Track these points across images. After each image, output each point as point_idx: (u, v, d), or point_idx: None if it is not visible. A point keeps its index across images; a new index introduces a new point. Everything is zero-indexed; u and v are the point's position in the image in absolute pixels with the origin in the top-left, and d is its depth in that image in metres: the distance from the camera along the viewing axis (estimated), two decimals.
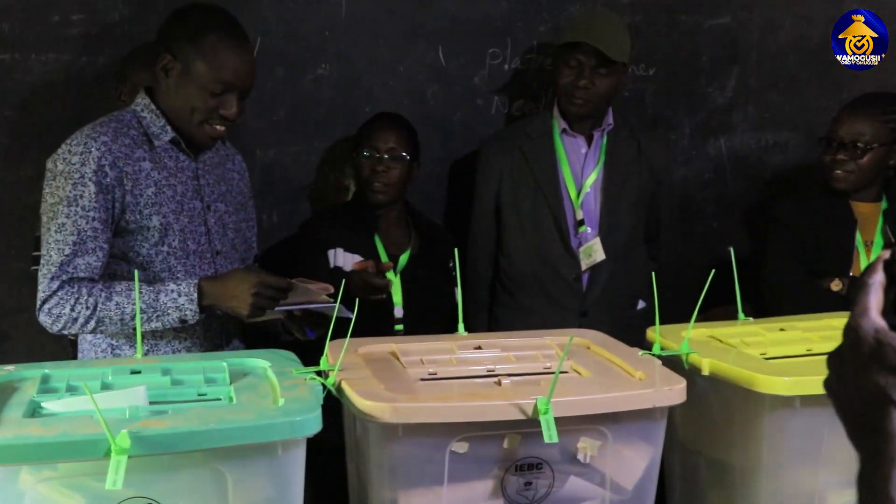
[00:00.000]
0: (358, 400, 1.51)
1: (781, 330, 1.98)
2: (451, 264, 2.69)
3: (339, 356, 1.63)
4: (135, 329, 1.89)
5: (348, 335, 1.68)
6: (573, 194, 2.84)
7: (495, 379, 1.65)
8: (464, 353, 1.81)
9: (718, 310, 2.29)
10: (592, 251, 2.79)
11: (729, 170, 3.43)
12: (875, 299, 0.87)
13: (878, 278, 0.88)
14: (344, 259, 2.71)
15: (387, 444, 1.52)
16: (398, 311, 2.71)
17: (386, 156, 2.74)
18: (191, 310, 2.08)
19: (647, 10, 3.28)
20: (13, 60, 2.79)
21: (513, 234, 2.88)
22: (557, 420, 1.49)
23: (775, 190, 3.43)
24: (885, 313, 0.86)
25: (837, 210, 2.81)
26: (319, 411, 1.45)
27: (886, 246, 0.75)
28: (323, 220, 2.85)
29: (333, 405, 1.63)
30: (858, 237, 2.78)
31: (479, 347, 1.84)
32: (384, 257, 2.73)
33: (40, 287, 2.09)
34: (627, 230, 2.87)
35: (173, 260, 2.19)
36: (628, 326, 2.53)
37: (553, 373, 1.56)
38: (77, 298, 2.06)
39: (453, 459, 1.53)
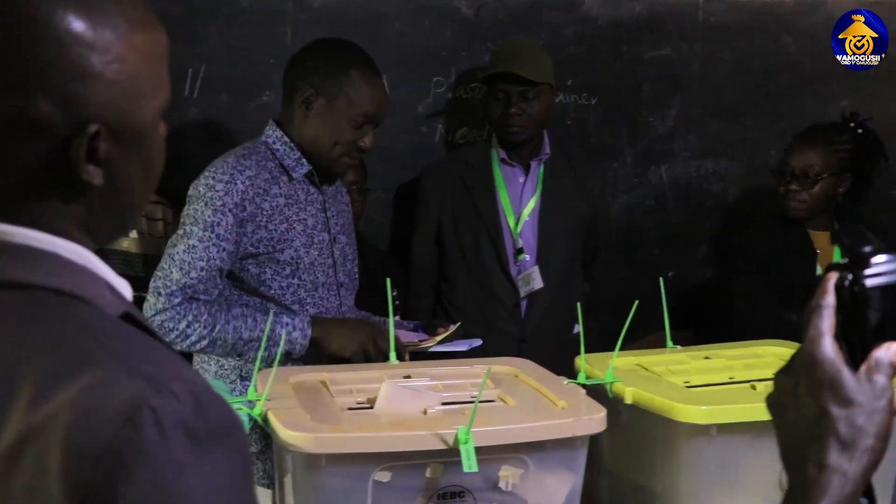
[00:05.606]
0: (282, 430, 1.52)
1: (706, 358, 2.01)
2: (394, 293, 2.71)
3: (267, 385, 1.64)
4: (240, 354, 2.15)
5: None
6: (512, 223, 2.87)
7: (422, 408, 1.67)
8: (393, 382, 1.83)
9: (652, 337, 2.33)
10: (530, 279, 2.83)
11: (670, 197, 3.49)
12: (828, 324, 0.86)
13: (830, 300, 0.87)
14: None
15: (311, 473, 1.54)
16: None
17: (353, 187, 2.75)
18: (301, 343, 2.14)
19: (591, 42, 3.34)
20: None
21: (454, 261, 2.91)
22: (479, 449, 1.52)
23: (716, 218, 3.49)
24: (837, 337, 0.87)
25: (796, 240, 2.86)
26: None
27: (830, 269, 0.76)
28: None
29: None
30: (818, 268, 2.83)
31: (409, 377, 1.87)
32: None
33: (154, 299, 2.09)
34: (564, 258, 2.91)
35: (303, 293, 2.23)
36: (567, 351, 2.55)
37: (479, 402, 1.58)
38: (196, 317, 2.08)
39: (376, 488, 1.55)
